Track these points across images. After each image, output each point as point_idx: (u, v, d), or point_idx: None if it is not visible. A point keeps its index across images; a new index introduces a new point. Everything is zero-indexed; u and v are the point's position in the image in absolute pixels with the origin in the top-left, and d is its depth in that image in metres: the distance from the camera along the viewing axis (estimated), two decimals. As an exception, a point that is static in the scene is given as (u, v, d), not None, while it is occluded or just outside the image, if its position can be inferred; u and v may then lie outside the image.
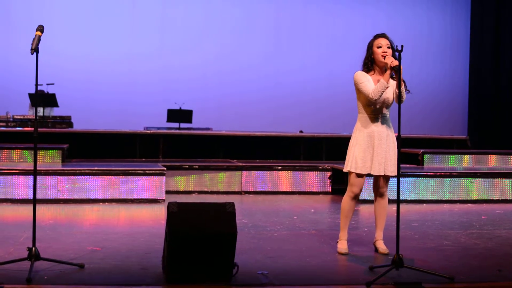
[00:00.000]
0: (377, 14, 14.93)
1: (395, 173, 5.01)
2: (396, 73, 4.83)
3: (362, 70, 5.11)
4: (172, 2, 14.44)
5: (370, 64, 5.08)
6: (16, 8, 13.73)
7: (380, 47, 5.01)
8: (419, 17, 15.30)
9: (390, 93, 5.04)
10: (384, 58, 4.95)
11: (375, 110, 5.06)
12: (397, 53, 4.57)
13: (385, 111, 5.09)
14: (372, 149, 5.04)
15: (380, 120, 5.07)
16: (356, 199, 5.18)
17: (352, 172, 5.10)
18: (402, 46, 4.51)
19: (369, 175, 5.11)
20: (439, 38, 15.37)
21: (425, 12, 15.36)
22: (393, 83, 5.03)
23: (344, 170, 5.17)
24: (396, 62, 4.80)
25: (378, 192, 5.23)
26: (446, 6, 15.54)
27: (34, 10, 13.61)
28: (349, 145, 5.17)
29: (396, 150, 5.06)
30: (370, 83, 5.00)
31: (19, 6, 13.74)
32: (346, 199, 5.18)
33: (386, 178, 5.16)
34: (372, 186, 5.27)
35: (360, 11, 14.99)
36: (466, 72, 15.38)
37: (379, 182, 5.18)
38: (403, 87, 4.92)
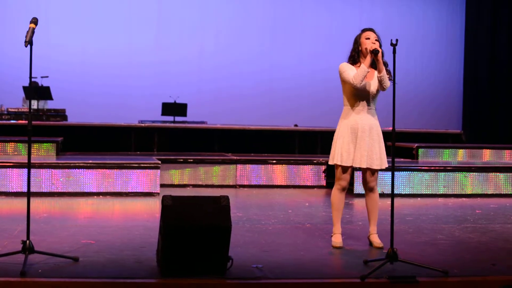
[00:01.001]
0: (372, 9, 14.93)
1: (381, 166, 5.10)
2: (375, 56, 4.91)
3: (347, 62, 5.16)
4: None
5: (356, 56, 5.16)
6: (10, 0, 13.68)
7: (369, 38, 5.08)
8: (414, 12, 15.30)
9: (374, 83, 5.08)
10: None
11: (359, 103, 5.10)
12: (391, 47, 4.58)
13: (369, 103, 5.12)
14: (355, 141, 5.06)
15: (364, 112, 5.10)
16: (344, 191, 5.23)
17: (338, 165, 5.13)
18: (397, 40, 4.53)
19: (357, 168, 5.15)
20: (434, 33, 15.37)
21: (421, 8, 15.36)
22: (376, 73, 5.07)
23: (330, 163, 5.24)
24: (374, 46, 4.88)
25: (367, 186, 5.25)
26: (442, 1, 15.53)
27: (29, 2, 13.54)
28: (333, 138, 5.22)
29: (382, 143, 5.11)
30: (353, 72, 5.05)
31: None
32: (335, 192, 5.24)
33: (373, 171, 5.18)
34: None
35: (356, 6, 14.98)
36: (461, 67, 15.39)
37: (366, 176, 5.20)
38: (384, 72, 4.97)
